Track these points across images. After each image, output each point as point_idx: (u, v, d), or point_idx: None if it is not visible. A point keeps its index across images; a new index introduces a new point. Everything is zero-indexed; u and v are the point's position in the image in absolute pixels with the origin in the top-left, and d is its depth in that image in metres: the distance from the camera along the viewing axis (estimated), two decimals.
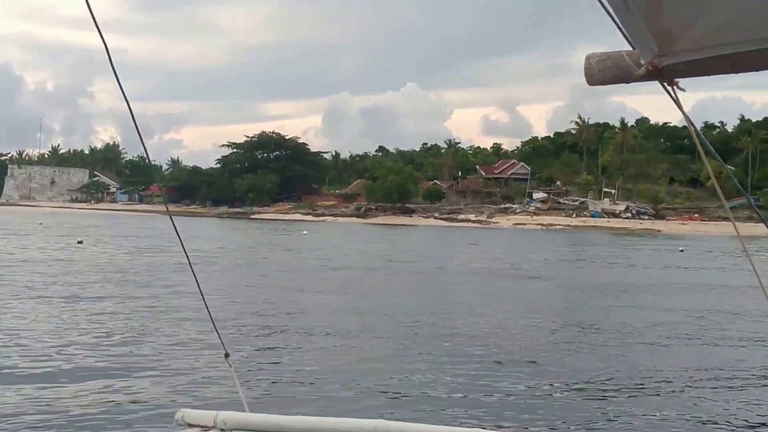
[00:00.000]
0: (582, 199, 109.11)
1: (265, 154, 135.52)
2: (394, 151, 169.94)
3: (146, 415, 9.80)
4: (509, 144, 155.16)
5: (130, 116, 2.27)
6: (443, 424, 1.64)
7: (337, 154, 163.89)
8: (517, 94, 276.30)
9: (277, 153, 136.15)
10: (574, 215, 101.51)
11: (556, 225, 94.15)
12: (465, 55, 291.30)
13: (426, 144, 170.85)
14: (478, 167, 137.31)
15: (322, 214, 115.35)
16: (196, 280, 2.75)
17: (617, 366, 14.09)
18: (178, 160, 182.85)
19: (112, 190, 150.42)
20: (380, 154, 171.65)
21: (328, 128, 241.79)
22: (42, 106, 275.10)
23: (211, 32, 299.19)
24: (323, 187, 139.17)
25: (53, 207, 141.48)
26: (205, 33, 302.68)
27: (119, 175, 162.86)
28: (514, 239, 67.17)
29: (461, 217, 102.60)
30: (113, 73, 2.15)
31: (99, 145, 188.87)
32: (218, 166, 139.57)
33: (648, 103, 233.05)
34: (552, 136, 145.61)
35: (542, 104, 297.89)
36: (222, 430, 1.87)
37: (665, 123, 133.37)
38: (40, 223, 52.95)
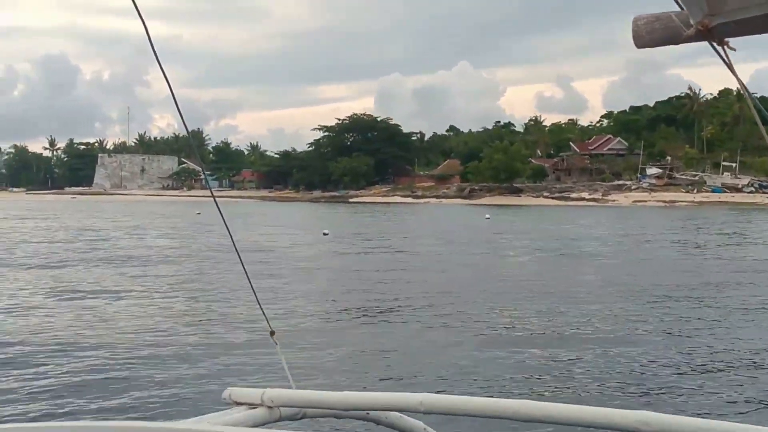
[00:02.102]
0: (699, 174, 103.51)
1: (358, 137, 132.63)
2: (465, 131, 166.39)
3: (194, 394, 9.86)
4: (563, 119, 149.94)
5: (175, 102, 2.28)
6: (493, 396, 1.57)
7: (422, 135, 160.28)
8: (572, 70, 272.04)
9: (369, 135, 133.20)
10: (696, 191, 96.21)
11: (679, 201, 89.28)
12: (517, 32, 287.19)
13: (499, 122, 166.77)
14: (571, 143, 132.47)
15: (423, 196, 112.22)
16: (240, 259, 2.76)
17: None
18: (257, 145, 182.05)
19: (202, 176, 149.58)
20: (451, 134, 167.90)
21: (380, 109, 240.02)
22: (98, 96, 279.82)
23: (262, 18, 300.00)
24: (415, 169, 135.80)
25: (145, 195, 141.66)
26: (256, 19, 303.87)
27: (204, 161, 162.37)
28: (666, 216, 62.98)
29: (574, 195, 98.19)
30: (156, 59, 2.17)
31: (156, 132, 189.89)
32: (310, 149, 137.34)
33: (704, 76, 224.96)
34: (647, 107, 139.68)
35: (597, 79, 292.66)
36: (269, 407, 1.88)
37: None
38: (198, 213, 51.09)
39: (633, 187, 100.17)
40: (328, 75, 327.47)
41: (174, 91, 2.41)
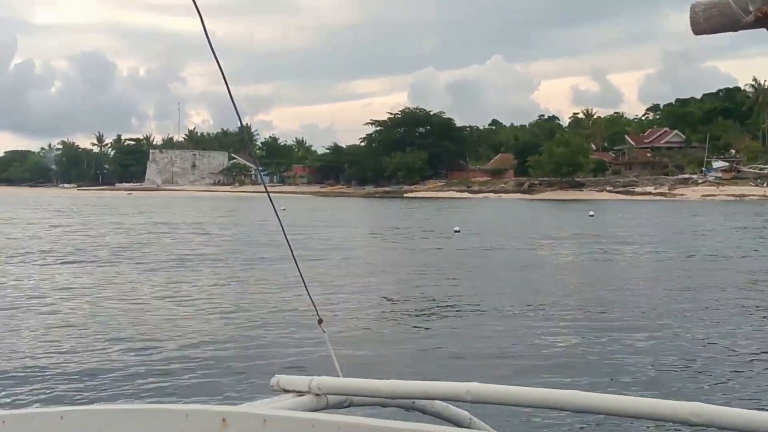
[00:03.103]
0: (766, 167, 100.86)
1: (410, 131, 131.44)
2: (507, 125, 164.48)
3: (242, 381, 9.88)
4: (601, 113, 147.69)
5: (230, 98, 2.35)
6: (539, 386, 1.47)
7: (472, 129, 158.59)
8: (607, 62, 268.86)
9: (422, 129, 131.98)
10: (766, 184, 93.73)
11: (749, 195, 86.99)
12: (551, 25, 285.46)
13: (543, 116, 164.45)
14: (627, 136, 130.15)
15: (479, 191, 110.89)
16: (290, 247, 2.78)
17: None
18: (303, 140, 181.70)
19: (252, 171, 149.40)
20: (494, 127, 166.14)
21: (414, 104, 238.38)
22: (135, 92, 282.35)
23: (295, 13, 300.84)
24: (469, 163, 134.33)
25: (197, 190, 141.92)
26: (290, 14, 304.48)
27: (252, 156, 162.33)
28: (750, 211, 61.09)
29: (639, 189, 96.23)
30: (213, 57, 2.22)
31: (191, 127, 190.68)
32: (362, 144, 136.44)
33: (739, 67, 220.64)
34: (694, 99, 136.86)
35: (633, 72, 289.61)
36: (316, 394, 1.93)
37: None
38: (283, 209, 50.67)
39: (699, 181, 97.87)
40: (361, 70, 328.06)
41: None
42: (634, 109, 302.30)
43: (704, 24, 1.48)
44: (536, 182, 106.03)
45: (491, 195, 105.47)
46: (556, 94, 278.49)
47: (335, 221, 49.93)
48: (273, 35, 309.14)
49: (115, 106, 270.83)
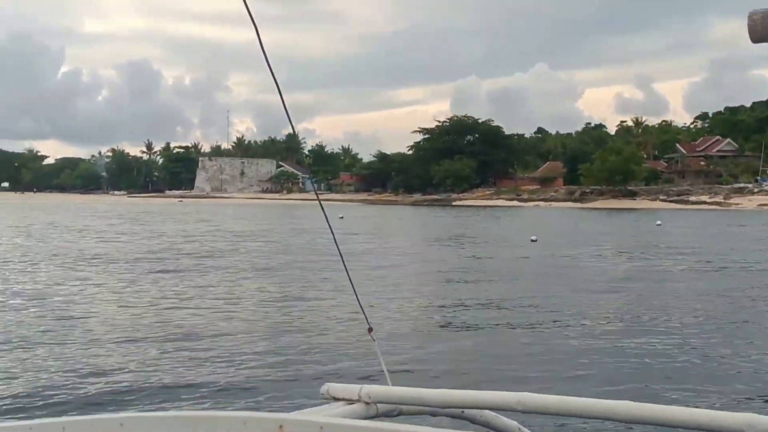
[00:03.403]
0: None
1: (458, 139, 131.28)
2: (553, 133, 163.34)
3: (292, 388, 9.89)
4: (648, 122, 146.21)
5: (282, 106, 2.41)
6: (591, 396, 1.47)
7: (520, 137, 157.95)
8: (652, 71, 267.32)
9: (470, 137, 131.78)
10: None
11: None
12: (595, 33, 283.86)
13: (590, 124, 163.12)
14: (678, 145, 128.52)
15: (529, 199, 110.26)
16: (341, 256, 2.81)
17: None
18: (349, 148, 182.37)
19: (300, 179, 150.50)
20: (540, 135, 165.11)
21: (456, 112, 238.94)
22: (180, 100, 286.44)
23: (338, 22, 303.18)
24: (517, 172, 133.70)
25: (245, 198, 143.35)
26: (333, 23, 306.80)
27: (299, 164, 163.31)
28: None
29: (693, 198, 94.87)
30: (267, 65, 2.25)
31: (237, 135, 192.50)
32: (409, 152, 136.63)
33: None
34: (744, 108, 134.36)
35: (678, 80, 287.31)
36: (366, 402, 1.93)
37: None
38: (341, 217, 51.00)
39: (755, 190, 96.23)
40: (404, 78, 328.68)
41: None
42: (679, 117, 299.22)
43: (762, 32, 1.49)
44: (587, 190, 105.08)
45: (541, 203, 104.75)
46: (601, 102, 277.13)
47: (392, 229, 50.06)
48: (316, 44, 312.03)
49: (161, 114, 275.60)
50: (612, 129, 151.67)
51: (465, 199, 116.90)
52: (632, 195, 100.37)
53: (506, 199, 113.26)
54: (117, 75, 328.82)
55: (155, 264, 25.30)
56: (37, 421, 1.87)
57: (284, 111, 2.48)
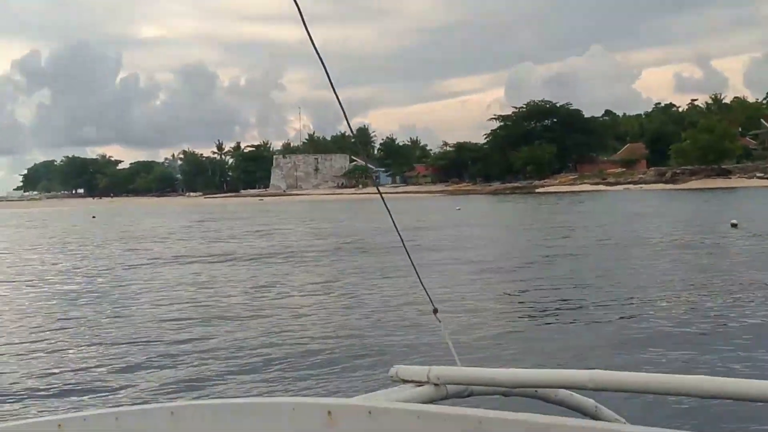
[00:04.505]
0: None
1: (537, 124, 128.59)
2: (620, 114, 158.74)
3: (362, 371, 9.81)
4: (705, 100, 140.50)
5: (340, 104, 2.43)
6: (666, 372, 1.57)
7: (596, 119, 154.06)
8: (709, 48, 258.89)
9: (547, 122, 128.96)
10: None
11: None
12: (651, 12, 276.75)
13: (659, 104, 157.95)
14: (763, 120, 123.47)
15: (616, 183, 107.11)
16: (401, 240, 2.73)
17: None
18: (417, 140, 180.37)
19: (374, 173, 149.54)
20: (607, 118, 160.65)
21: (511, 100, 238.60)
22: (237, 101, 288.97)
23: (389, 16, 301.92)
24: (599, 155, 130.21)
25: (321, 194, 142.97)
26: (383, 17, 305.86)
27: (371, 158, 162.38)
28: None
29: None
30: (321, 64, 2.29)
31: (292, 133, 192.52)
32: (486, 140, 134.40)
33: None
34: None
35: (737, 56, 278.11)
36: (436, 384, 1.92)
37: None
38: (458, 209, 50.09)
39: None
40: (457, 68, 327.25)
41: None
42: (740, 94, 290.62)
43: None
44: (678, 171, 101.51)
45: (631, 186, 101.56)
46: (659, 82, 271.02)
47: (518, 219, 48.03)
48: (367, 38, 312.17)
49: (218, 115, 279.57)
50: (681, 108, 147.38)
51: (547, 186, 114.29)
52: (726, 174, 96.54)
53: (591, 184, 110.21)
54: (173, 78, 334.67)
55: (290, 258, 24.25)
56: (92, 411, 1.92)
57: (339, 106, 2.43)
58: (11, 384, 9.85)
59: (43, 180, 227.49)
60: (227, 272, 22.56)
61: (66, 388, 9.61)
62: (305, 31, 2.15)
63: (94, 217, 73.60)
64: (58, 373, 10.35)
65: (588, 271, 20.34)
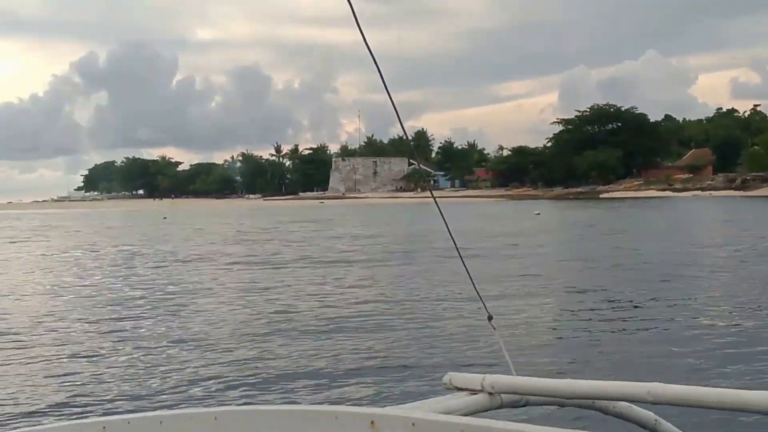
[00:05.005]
0: None
1: (600, 129, 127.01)
2: (680, 119, 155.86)
3: (415, 378, 9.72)
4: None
5: (394, 107, 2.43)
6: (726, 386, 1.52)
7: (661, 124, 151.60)
8: (766, 53, 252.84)
9: (612, 126, 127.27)
10: None
11: None
12: (707, 16, 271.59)
13: (721, 109, 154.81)
14: None
15: (684, 189, 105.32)
16: (456, 245, 2.76)
17: None
18: (474, 143, 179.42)
19: (434, 176, 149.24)
20: (667, 123, 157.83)
21: (564, 104, 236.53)
22: (291, 103, 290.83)
23: (443, 18, 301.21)
24: (664, 161, 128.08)
25: (380, 197, 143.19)
26: (437, 19, 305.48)
27: (430, 162, 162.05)
28: None
29: None
30: (376, 67, 2.26)
31: (344, 136, 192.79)
32: (548, 144, 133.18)
33: None
34: None
35: None
36: (490, 393, 1.90)
37: None
38: (538, 213, 49.76)
39: None
40: (510, 72, 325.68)
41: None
42: None
43: None
44: (749, 178, 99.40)
45: (699, 192, 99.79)
46: (715, 87, 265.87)
47: (605, 225, 47.15)
48: (420, 41, 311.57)
49: (272, 117, 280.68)
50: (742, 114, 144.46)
51: (612, 191, 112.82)
52: None
53: (657, 190, 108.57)
54: (228, 81, 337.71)
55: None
56: (136, 414, 1.93)
57: (393, 109, 2.42)
58: (61, 385, 9.77)
59: (103, 181, 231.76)
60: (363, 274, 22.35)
61: (117, 391, 9.48)
62: (359, 33, 2.11)
63: (165, 218, 74.27)
64: (135, 374, 10.31)
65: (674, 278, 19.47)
